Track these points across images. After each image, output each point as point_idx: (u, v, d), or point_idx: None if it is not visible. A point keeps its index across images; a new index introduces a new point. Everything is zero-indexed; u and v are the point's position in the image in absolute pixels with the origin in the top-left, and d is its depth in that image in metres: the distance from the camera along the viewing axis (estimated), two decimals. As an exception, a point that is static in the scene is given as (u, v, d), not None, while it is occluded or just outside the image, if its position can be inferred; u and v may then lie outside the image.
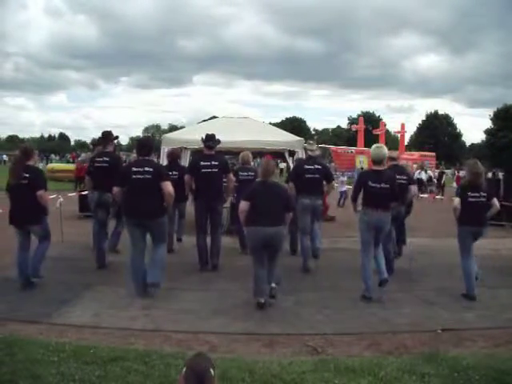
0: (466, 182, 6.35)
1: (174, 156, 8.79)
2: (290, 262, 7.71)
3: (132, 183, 5.78)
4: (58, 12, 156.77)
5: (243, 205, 5.59)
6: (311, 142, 8.17)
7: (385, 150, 6.11)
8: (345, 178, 18.42)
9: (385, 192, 5.88)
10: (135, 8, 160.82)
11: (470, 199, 5.98)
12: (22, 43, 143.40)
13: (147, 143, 6.33)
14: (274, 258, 5.65)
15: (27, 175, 5.88)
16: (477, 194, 6.00)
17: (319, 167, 7.46)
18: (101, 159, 7.20)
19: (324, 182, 7.62)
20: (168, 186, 5.78)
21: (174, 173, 7.89)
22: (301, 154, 9.79)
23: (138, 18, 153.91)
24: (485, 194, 6.05)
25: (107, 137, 7.40)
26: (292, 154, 10.50)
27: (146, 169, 5.77)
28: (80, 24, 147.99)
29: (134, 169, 5.84)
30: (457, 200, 6.06)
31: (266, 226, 5.38)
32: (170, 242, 8.48)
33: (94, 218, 7.50)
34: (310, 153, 7.72)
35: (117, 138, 7.77)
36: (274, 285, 5.69)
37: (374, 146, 6.31)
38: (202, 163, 7.18)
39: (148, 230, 5.90)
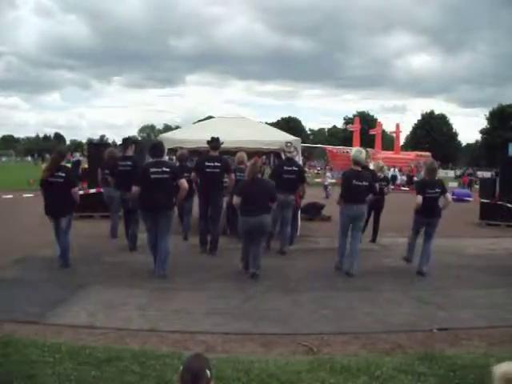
0: (423, 179, 7.46)
1: (182, 159, 9.47)
2: (285, 261, 7.74)
3: (151, 182, 6.48)
4: (49, 11, 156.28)
5: (236, 199, 6.78)
6: (289, 144, 8.74)
7: (364, 154, 7.26)
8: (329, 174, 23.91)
9: (364, 189, 7.00)
10: (126, 7, 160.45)
11: (427, 195, 6.98)
12: (13, 43, 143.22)
13: (160, 147, 7.16)
14: (258, 240, 6.77)
15: (63, 174, 6.79)
16: (433, 191, 7.03)
17: (296, 169, 8.40)
18: (123, 163, 8.24)
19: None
20: (184, 183, 6.65)
21: (186, 174, 8.39)
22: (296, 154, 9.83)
23: (130, 17, 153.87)
24: (439, 190, 7.08)
25: (126, 142, 8.52)
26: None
27: (164, 169, 6.57)
28: (71, 23, 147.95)
29: (153, 169, 6.56)
30: (419, 198, 6.97)
31: (255, 215, 6.58)
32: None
33: (114, 212, 9.05)
34: (288, 155, 8.58)
35: (135, 142, 8.90)
36: (256, 271, 6.70)
37: (354, 149, 7.46)
38: (206, 163, 8.00)
39: (159, 220, 6.56)
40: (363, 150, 7.40)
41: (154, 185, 6.45)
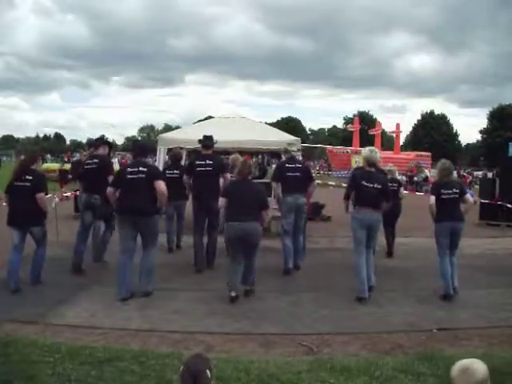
0: (437, 179, 6.50)
1: (175, 156, 9.05)
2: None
3: (127, 183, 5.90)
4: (48, 11, 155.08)
5: (221, 201, 6.08)
6: (291, 144, 8.40)
7: (379, 154, 6.38)
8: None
9: (377, 192, 6.11)
10: (125, 7, 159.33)
11: (443, 196, 6.15)
12: (12, 43, 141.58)
13: (144, 146, 6.59)
14: (250, 253, 5.94)
15: (30, 178, 6.05)
16: (449, 191, 6.17)
17: (300, 166, 7.65)
18: (91, 161, 7.26)
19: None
20: (161, 185, 5.88)
21: (176, 171, 8.27)
22: (298, 155, 9.83)
23: (128, 17, 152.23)
24: (457, 190, 6.21)
25: (100, 140, 7.64)
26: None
27: (140, 169, 5.92)
28: (70, 23, 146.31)
29: (129, 169, 6.02)
30: (432, 198, 6.20)
31: (241, 221, 5.76)
32: (170, 240, 8.69)
33: (80, 220, 7.46)
34: (292, 153, 8.02)
35: (110, 144, 7.93)
36: (248, 288, 5.95)
37: (367, 148, 6.49)
38: (197, 162, 7.34)
39: (139, 230, 5.90)
40: (376, 149, 6.56)
41: (130, 186, 5.86)
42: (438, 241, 6.31)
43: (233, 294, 5.77)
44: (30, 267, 6.18)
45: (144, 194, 5.83)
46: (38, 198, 6.02)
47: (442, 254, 6.25)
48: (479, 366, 2.17)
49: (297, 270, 7.34)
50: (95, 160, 7.20)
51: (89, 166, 7.20)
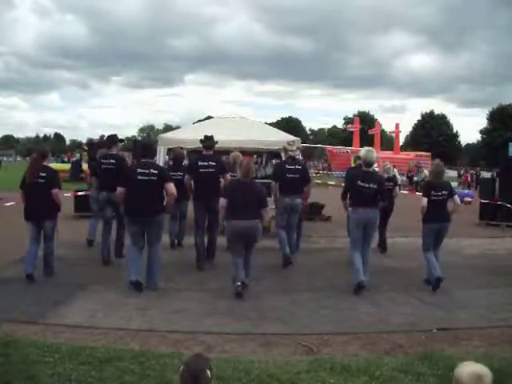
0: (429, 180, 6.76)
1: (178, 157, 9.13)
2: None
3: (137, 184, 6.04)
4: (47, 11, 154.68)
5: (222, 201, 6.14)
6: (291, 143, 8.33)
7: (375, 153, 6.56)
8: None
9: (372, 192, 6.24)
10: (124, 7, 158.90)
11: (433, 197, 6.38)
12: (11, 43, 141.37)
13: (151, 147, 6.81)
14: (249, 248, 6.14)
15: (44, 174, 6.36)
16: (439, 193, 6.40)
17: (299, 167, 7.78)
18: (107, 161, 7.52)
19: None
20: (171, 187, 6.10)
21: (179, 173, 8.24)
22: (298, 153, 9.82)
23: (128, 17, 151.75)
24: (446, 192, 6.45)
25: (112, 139, 7.76)
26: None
27: (152, 171, 6.08)
28: (69, 23, 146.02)
29: (140, 170, 6.11)
30: (424, 200, 6.41)
31: (242, 219, 5.93)
32: (172, 238, 8.82)
33: (94, 217, 7.95)
34: (290, 153, 7.97)
35: (122, 141, 8.13)
36: (246, 281, 6.01)
37: (364, 149, 6.68)
38: (199, 163, 7.40)
39: (145, 228, 6.11)
40: (373, 149, 6.74)
41: (141, 187, 5.98)
42: (424, 239, 6.53)
43: (239, 288, 5.87)
44: (43, 262, 6.49)
45: (153, 194, 6.04)
46: (54, 194, 6.35)
47: (426, 250, 6.48)
48: (486, 370, 2.16)
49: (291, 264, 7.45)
50: (111, 160, 7.48)
51: (105, 166, 7.49)
